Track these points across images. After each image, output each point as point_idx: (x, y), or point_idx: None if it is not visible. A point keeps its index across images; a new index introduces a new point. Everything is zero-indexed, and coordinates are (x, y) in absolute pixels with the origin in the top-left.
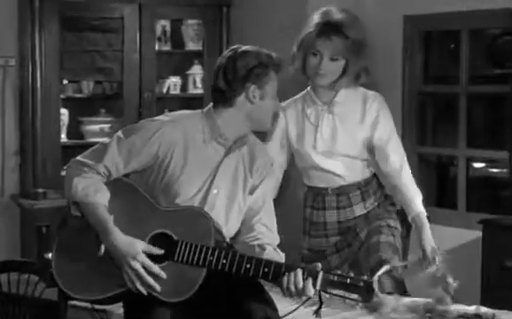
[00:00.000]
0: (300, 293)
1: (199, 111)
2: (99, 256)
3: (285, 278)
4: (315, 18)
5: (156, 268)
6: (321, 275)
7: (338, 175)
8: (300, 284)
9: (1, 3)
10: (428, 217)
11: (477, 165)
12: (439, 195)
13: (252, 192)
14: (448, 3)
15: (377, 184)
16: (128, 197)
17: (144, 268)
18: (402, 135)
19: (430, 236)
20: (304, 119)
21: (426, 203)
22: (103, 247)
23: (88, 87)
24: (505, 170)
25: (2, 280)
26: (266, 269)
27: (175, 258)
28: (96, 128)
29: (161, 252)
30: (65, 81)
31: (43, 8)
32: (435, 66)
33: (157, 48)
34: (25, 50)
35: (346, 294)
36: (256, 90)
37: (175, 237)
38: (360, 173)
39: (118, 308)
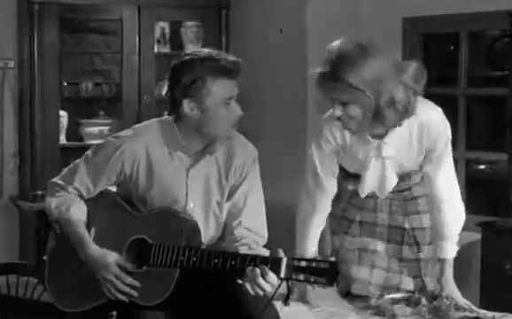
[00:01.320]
0: (264, 284)
1: (162, 120)
2: (85, 270)
3: (250, 269)
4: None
5: (128, 278)
6: (284, 261)
7: None
8: (265, 274)
9: (0, 5)
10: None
11: (477, 167)
12: None
13: (231, 195)
14: (447, 6)
15: None
16: (108, 208)
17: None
18: None
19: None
20: (351, 153)
21: None
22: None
23: (87, 89)
24: (504, 172)
25: (1, 282)
26: (232, 262)
27: (151, 262)
28: (95, 130)
29: (130, 265)
30: (64, 83)
31: (42, 10)
32: (434, 68)
33: (156, 50)
34: (24, 52)
35: (312, 279)
36: (192, 104)
37: (150, 241)
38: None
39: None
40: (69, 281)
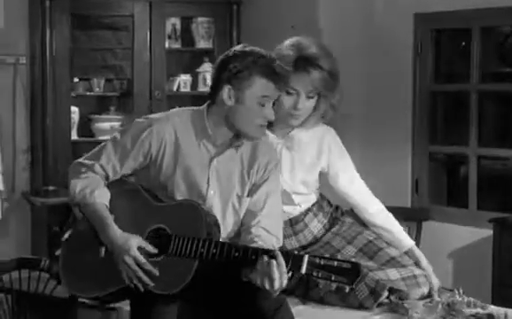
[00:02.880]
0: (281, 281)
1: (193, 108)
2: (101, 257)
3: (265, 261)
4: (287, 52)
5: (147, 264)
6: (306, 258)
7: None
8: (284, 270)
9: (12, 1)
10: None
11: (488, 163)
12: (450, 193)
13: (252, 193)
14: (459, 1)
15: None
16: (129, 196)
17: (138, 263)
18: (413, 133)
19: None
20: None
21: (437, 202)
22: (103, 249)
23: (98, 85)
24: None
25: (13, 277)
26: (253, 256)
27: (169, 251)
28: (106, 125)
29: (155, 250)
30: (75, 79)
31: (54, 6)
32: (446, 64)
33: (167, 46)
34: (35, 48)
35: (333, 277)
36: (231, 92)
37: (170, 232)
38: (310, 202)
39: (127, 305)
40: (84, 267)
